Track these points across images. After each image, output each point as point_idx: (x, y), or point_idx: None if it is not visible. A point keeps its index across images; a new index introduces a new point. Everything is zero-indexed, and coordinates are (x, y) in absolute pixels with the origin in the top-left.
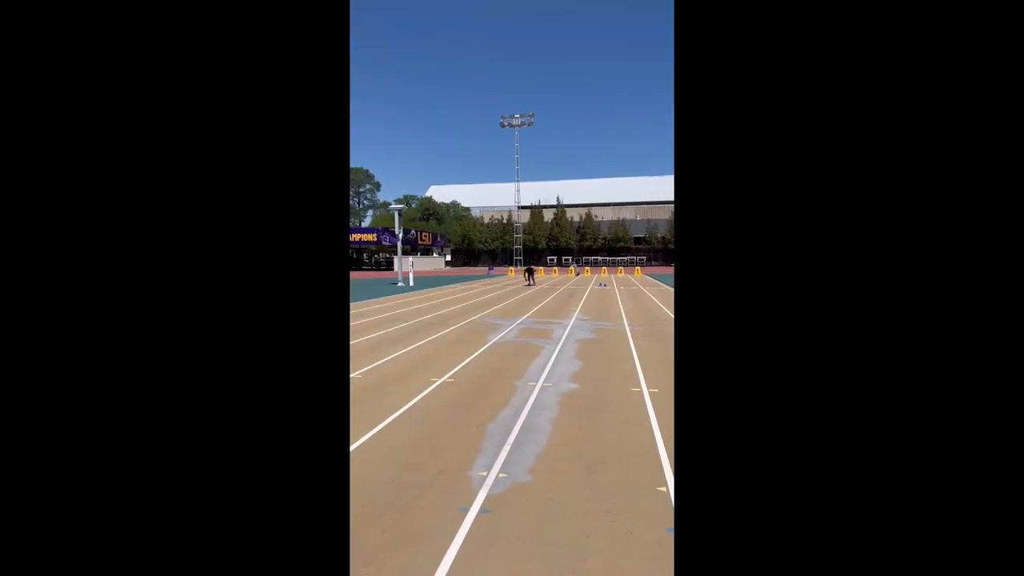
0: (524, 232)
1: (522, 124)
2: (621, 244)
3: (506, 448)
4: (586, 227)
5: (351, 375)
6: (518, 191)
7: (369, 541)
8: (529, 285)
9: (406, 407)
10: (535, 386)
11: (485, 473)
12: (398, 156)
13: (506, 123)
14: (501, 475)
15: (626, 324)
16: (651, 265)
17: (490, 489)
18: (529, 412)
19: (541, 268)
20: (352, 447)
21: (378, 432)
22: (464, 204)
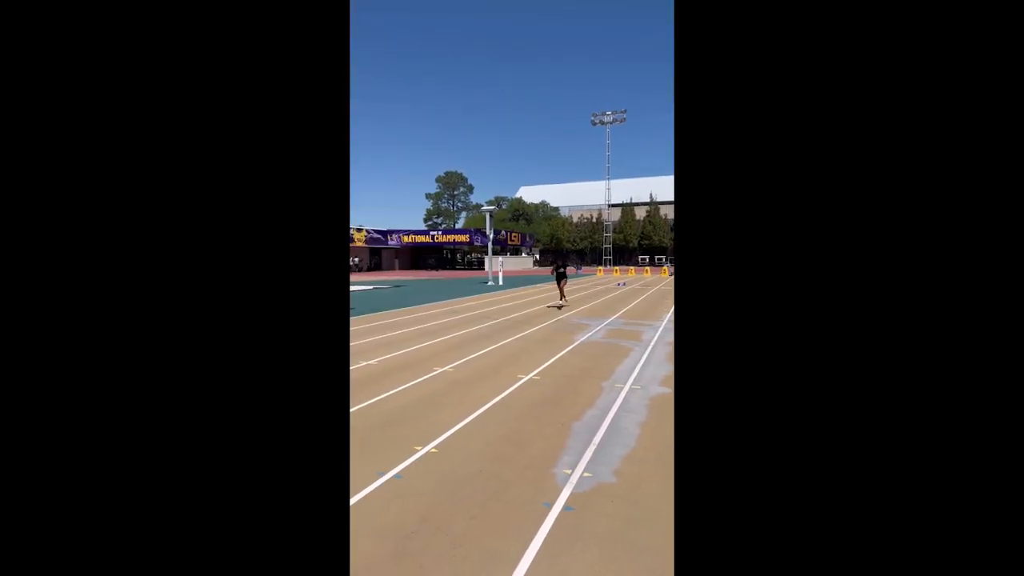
0: (615, 231)
1: (614, 121)
2: None
3: (591, 448)
4: None
5: (443, 368)
6: (608, 189)
7: (458, 526)
8: (562, 305)
9: (493, 402)
10: (623, 388)
11: (569, 471)
12: (490, 158)
13: (597, 120)
14: (586, 474)
15: None
16: None
17: (574, 487)
18: (616, 414)
19: (615, 268)
20: (442, 437)
21: (467, 424)
22: (553, 204)
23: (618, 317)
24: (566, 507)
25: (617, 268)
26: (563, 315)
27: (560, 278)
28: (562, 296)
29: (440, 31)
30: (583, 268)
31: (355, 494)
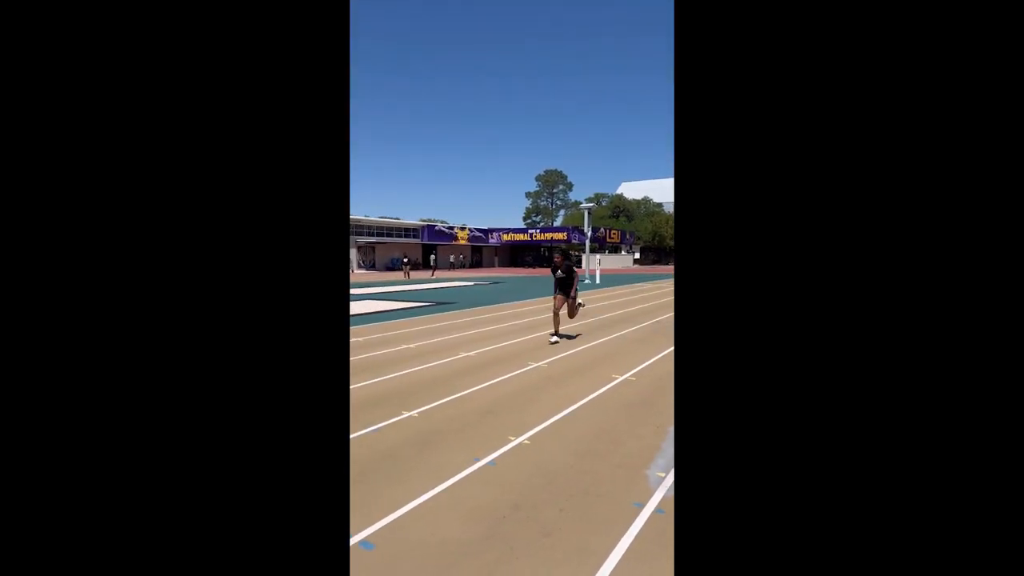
0: None
1: None
2: None
3: None
4: None
5: (537, 364)
6: None
7: (548, 516)
8: (556, 341)
9: (587, 399)
10: None
11: (663, 474)
12: (591, 154)
13: None
14: None
15: None
16: None
17: (667, 491)
18: None
19: None
20: (536, 429)
21: (560, 418)
22: (656, 200)
23: None
24: (657, 509)
25: None
26: (663, 316)
27: (563, 287)
28: (561, 317)
29: (536, 23)
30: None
31: (451, 477)
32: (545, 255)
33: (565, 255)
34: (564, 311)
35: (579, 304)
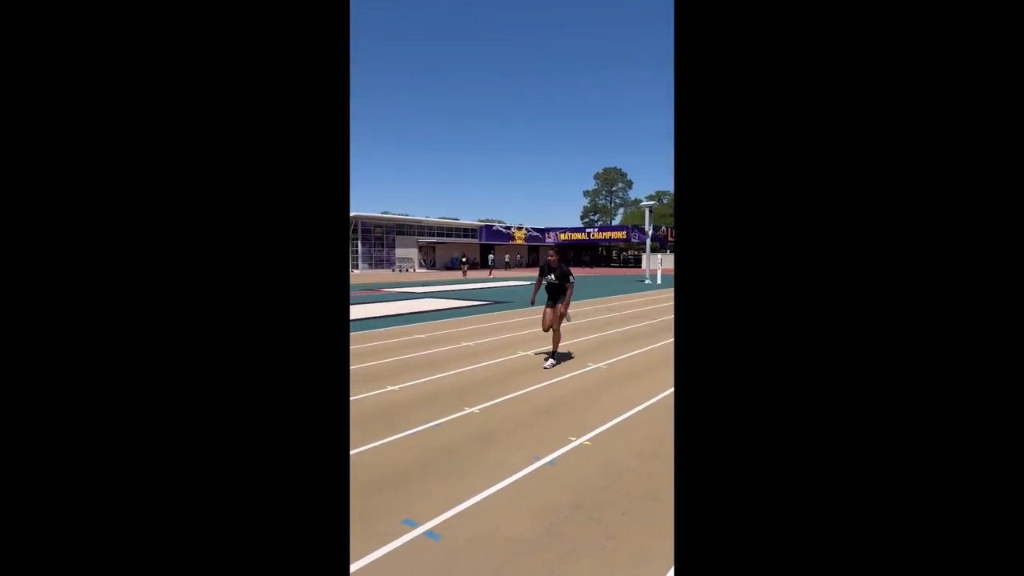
0: None
1: None
2: None
3: None
4: None
5: (597, 365)
6: None
7: (610, 518)
8: (550, 356)
9: (649, 402)
10: None
11: None
12: (651, 150)
13: None
14: None
15: None
16: None
17: None
18: None
19: None
20: (597, 431)
21: (622, 420)
22: None
23: None
24: None
25: None
26: None
27: (554, 295)
28: (550, 327)
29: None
30: None
31: (511, 475)
32: (603, 254)
33: (561, 254)
34: (565, 321)
35: (567, 317)
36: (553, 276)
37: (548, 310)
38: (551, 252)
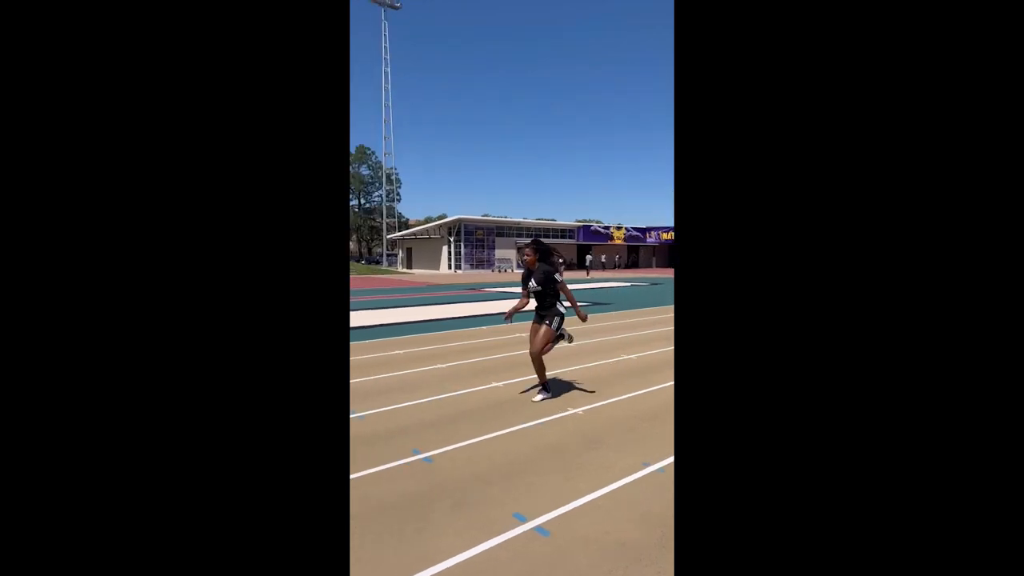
0: None
1: None
2: None
3: None
4: None
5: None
6: None
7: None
8: (542, 387)
9: None
10: None
11: None
12: None
13: None
14: None
15: None
16: None
17: None
18: None
19: None
20: None
21: None
22: None
23: None
24: None
25: None
26: None
27: (543, 306)
28: (539, 351)
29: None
30: None
31: (621, 479)
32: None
33: (540, 250)
34: (557, 343)
35: (565, 337)
36: (533, 282)
37: (532, 328)
38: (526, 249)
